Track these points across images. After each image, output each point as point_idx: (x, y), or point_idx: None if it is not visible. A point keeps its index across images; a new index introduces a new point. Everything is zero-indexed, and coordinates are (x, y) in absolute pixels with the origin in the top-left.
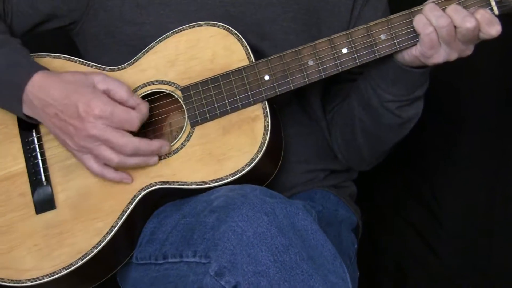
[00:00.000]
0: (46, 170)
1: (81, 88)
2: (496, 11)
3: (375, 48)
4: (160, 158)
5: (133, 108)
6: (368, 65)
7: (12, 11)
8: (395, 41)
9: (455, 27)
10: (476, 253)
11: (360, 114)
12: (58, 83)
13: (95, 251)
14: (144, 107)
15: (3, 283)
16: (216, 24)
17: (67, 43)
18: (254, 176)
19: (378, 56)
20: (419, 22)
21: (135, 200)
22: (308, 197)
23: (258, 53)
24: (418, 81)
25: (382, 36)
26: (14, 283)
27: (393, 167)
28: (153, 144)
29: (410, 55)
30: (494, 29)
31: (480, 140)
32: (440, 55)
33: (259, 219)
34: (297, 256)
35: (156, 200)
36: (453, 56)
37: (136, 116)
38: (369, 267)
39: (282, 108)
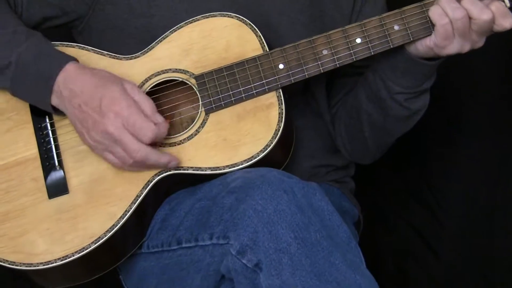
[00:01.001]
0: (59, 155)
1: (111, 84)
2: (507, 4)
3: (388, 39)
4: (175, 144)
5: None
6: (377, 58)
7: (22, 4)
8: (409, 31)
9: (470, 19)
10: (477, 253)
11: (368, 107)
12: (89, 76)
13: (108, 235)
14: (163, 127)
15: (14, 266)
16: (230, 14)
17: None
18: (268, 163)
19: (391, 46)
20: (435, 12)
21: (149, 185)
22: None
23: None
24: (427, 73)
25: (396, 27)
26: (26, 267)
27: (394, 167)
28: (163, 157)
29: (424, 45)
30: (508, 22)
31: (480, 140)
32: (454, 46)
33: (279, 197)
34: (317, 234)
35: (168, 187)
36: (466, 48)
37: (153, 129)
38: (369, 267)
39: (287, 102)
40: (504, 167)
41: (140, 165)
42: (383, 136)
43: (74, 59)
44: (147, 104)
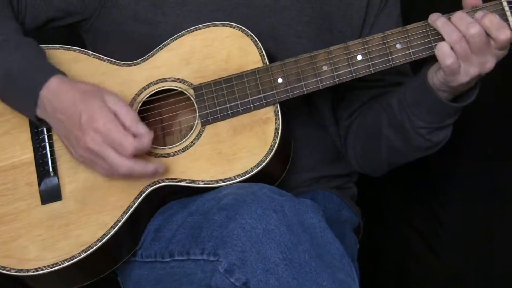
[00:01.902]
0: (54, 161)
1: (90, 99)
2: (506, 7)
3: (390, 57)
4: (170, 155)
5: (134, 136)
6: (403, 89)
7: (26, 5)
8: (410, 50)
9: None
10: (477, 254)
11: (389, 133)
12: (70, 91)
13: (99, 244)
14: (146, 138)
15: (5, 271)
16: (232, 25)
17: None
18: (262, 178)
19: (392, 65)
20: (440, 50)
21: (141, 195)
22: (311, 198)
23: (269, 55)
24: (453, 113)
25: (398, 45)
26: (16, 272)
27: (395, 168)
28: (148, 167)
29: (437, 80)
30: (504, 34)
31: (480, 140)
32: (462, 75)
33: (268, 216)
34: (306, 254)
35: (162, 197)
36: (474, 71)
37: (131, 143)
38: (370, 267)
39: (289, 112)
40: (504, 167)
41: (128, 177)
42: (399, 159)
43: (59, 73)
44: (128, 116)
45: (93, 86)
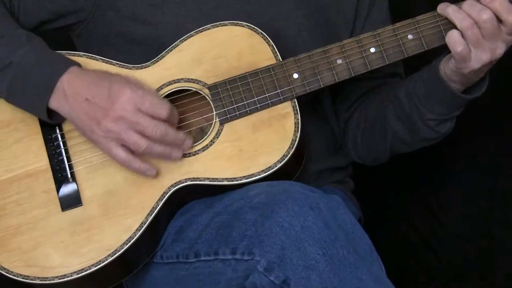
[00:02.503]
0: (71, 167)
1: (115, 77)
2: None
3: (403, 48)
4: (190, 155)
5: None
6: (412, 82)
7: (19, 8)
8: (423, 41)
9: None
10: (477, 254)
11: (395, 125)
12: (92, 74)
13: (125, 247)
14: (175, 111)
15: (28, 281)
16: (241, 23)
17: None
18: (283, 173)
19: (406, 55)
20: (450, 37)
21: (165, 196)
22: None
23: None
24: (462, 104)
25: (410, 36)
26: (41, 281)
27: (394, 168)
28: (180, 134)
29: (448, 69)
30: None
31: (480, 140)
32: (473, 62)
33: (305, 213)
34: (343, 249)
35: (182, 197)
36: (486, 58)
37: (169, 105)
38: None
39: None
40: (504, 168)
41: (152, 150)
42: (403, 148)
43: (77, 64)
44: (155, 92)
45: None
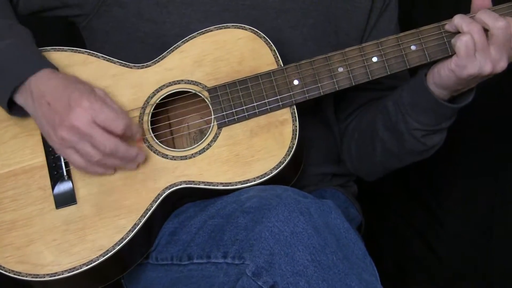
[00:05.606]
0: (67, 165)
1: (80, 85)
2: None
3: (405, 59)
4: (186, 157)
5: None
6: (399, 91)
7: None
8: (426, 52)
9: (486, 31)
10: (477, 253)
11: (384, 135)
12: (61, 79)
13: (117, 248)
14: (134, 122)
15: (20, 277)
16: (244, 27)
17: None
18: (279, 179)
19: (408, 66)
20: (458, 37)
21: (159, 198)
22: (320, 195)
23: None
24: (448, 115)
25: (413, 47)
26: (32, 277)
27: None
28: (131, 150)
29: (446, 69)
30: None
31: (480, 140)
32: (475, 65)
33: (296, 219)
34: (333, 256)
35: (177, 200)
36: (487, 67)
37: (123, 118)
38: None
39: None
40: (504, 167)
41: (106, 162)
42: (394, 163)
43: (52, 67)
44: (117, 106)
45: (83, 81)
